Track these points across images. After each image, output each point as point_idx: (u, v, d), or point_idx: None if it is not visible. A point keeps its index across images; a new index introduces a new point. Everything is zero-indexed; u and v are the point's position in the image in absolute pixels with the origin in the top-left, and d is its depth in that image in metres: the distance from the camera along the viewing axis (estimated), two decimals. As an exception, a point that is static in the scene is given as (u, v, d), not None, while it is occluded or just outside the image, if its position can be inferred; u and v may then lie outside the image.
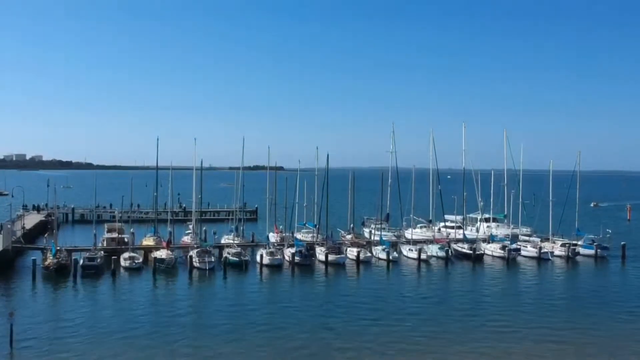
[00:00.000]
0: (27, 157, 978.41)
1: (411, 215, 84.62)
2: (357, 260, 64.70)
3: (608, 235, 73.78)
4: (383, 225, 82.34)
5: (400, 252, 70.74)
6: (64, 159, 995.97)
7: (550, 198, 77.12)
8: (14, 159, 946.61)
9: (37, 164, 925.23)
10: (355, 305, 48.26)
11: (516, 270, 65.06)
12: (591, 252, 71.13)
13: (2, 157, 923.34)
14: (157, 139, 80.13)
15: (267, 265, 61.94)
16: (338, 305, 48.44)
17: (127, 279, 56.78)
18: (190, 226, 76.32)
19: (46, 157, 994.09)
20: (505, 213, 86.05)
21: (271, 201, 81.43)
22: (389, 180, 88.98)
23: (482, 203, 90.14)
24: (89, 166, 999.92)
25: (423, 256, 66.80)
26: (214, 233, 73.70)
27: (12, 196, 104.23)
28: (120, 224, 73.10)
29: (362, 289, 55.05)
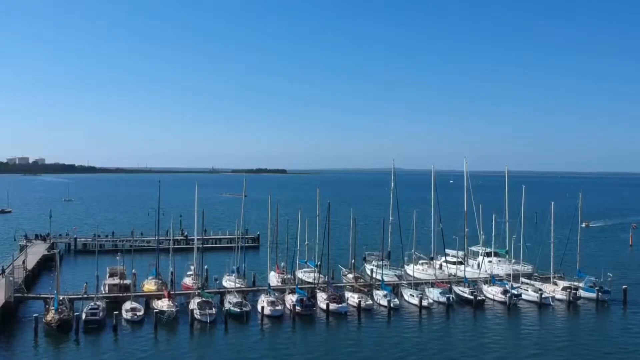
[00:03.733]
0: (30, 161, 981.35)
1: (413, 251, 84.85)
2: (359, 309, 64.73)
3: (609, 279, 73.68)
4: (384, 263, 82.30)
5: (401, 296, 70.82)
6: (67, 162, 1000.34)
7: (552, 240, 77.04)
8: (17, 162, 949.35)
9: (40, 167, 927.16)
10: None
11: (517, 318, 65.06)
12: (592, 295, 71.09)
13: (5, 161, 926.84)
14: (159, 184, 79.21)
15: (268, 316, 61.99)
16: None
17: (129, 333, 56.87)
18: (192, 267, 76.37)
19: (49, 161, 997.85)
20: (507, 249, 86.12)
21: (273, 232, 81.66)
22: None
23: (483, 237, 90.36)
24: (91, 170, 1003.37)
25: (424, 303, 66.84)
26: (215, 280, 73.73)
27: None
28: (122, 266, 73.12)
29: (363, 343, 55.40)
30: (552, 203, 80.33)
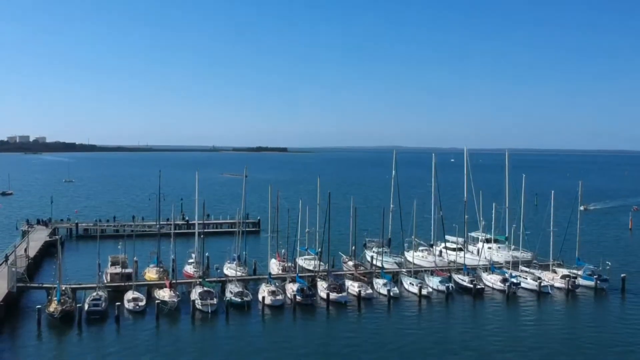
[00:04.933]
0: (31, 139, 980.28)
1: (413, 237, 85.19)
2: (359, 298, 65.22)
3: (608, 267, 74.04)
4: (385, 249, 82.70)
5: (401, 284, 71.32)
6: (67, 141, 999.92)
7: (551, 228, 77.27)
8: (18, 140, 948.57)
9: (40, 146, 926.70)
10: (356, 353, 50.08)
11: (516, 307, 65.59)
12: (591, 283, 71.56)
13: (5, 139, 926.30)
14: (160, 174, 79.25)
15: (269, 306, 62.50)
16: (339, 353, 50.16)
17: (131, 324, 57.42)
18: (193, 255, 76.75)
19: (49, 139, 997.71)
20: (507, 235, 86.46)
21: (273, 220, 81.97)
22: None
23: (483, 223, 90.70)
24: (92, 148, 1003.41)
25: (424, 292, 67.34)
26: (217, 269, 74.13)
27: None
28: (124, 255, 73.51)
29: (363, 332, 56.12)
30: (552, 192, 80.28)
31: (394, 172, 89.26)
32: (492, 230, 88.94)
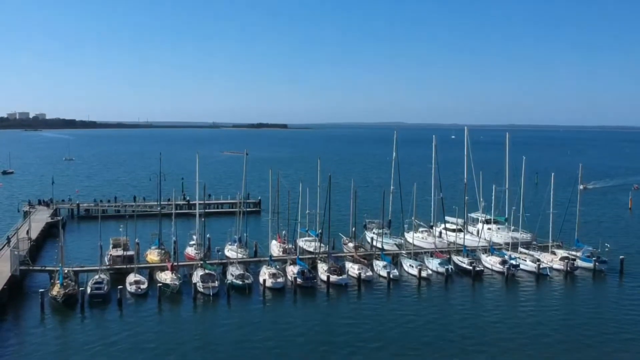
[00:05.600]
0: (31, 116, 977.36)
1: (412, 219, 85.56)
2: (359, 280, 65.76)
3: (607, 249, 74.44)
4: (385, 231, 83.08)
5: (401, 266, 71.84)
6: (68, 117, 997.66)
7: (551, 210, 77.58)
8: (18, 117, 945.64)
9: (40, 122, 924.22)
10: (356, 336, 50.73)
11: (515, 289, 66.14)
12: (589, 265, 72.05)
13: (5, 116, 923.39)
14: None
15: (269, 288, 63.06)
16: (339, 337, 50.85)
17: (133, 307, 57.98)
18: (194, 237, 77.15)
19: (49, 116, 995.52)
20: (507, 217, 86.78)
21: (274, 202, 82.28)
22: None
23: (483, 203, 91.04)
24: (92, 125, 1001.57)
25: (423, 274, 67.87)
26: (218, 251, 74.57)
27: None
28: (125, 237, 73.93)
29: (363, 315, 56.82)
30: (552, 174, 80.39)
31: (394, 153, 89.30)
32: (492, 211, 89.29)
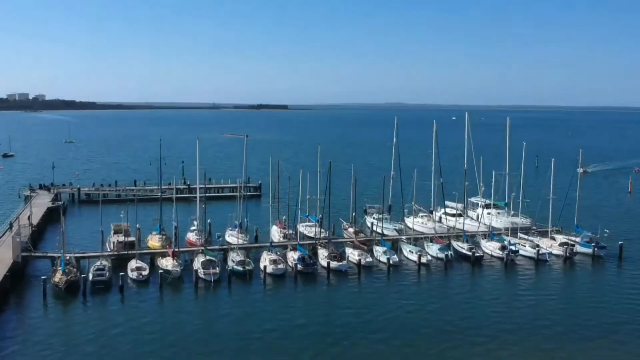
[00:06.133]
0: (30, 97, 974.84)
1: (413, 203, 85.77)
2: (359, 266, 66.15)
3: (606, 235, 74.67)
4: (385, 216, 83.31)
5: (400, 252, 72.17)
6: (67, 98, 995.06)
7: (551, 196, 77.74)
8: (17, 98, 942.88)
9: (40, 104, 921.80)
10: (355, 323, 51.25)
11: (514, 275, 66.62)
12: (589, 251, 72.38)
13: (5, 97, 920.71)
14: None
15: (270, 275, 63.44)
16: (338, 323, 51.45)
17: (135, 293, 58.45)
18: (195, 222, 77.41)
19: (49, 97, 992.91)
20: (506, 201, 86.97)
21: (274, 189, 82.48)
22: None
23: (483, 188, 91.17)
24: (92, 105, 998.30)
25: (423, 260, 68.25)
26: (218, 237, 74.84)
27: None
28: (126, 223, 74.20)
29: (363, 301, 57.37)
30: (553, 160, 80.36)
31: (394, 139, 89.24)
32: (492, 196, 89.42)
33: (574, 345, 47.23)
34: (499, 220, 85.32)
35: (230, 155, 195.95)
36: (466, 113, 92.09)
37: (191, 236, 75.39)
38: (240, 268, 63.22)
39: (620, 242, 72.63)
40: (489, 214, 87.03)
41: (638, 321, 52.28)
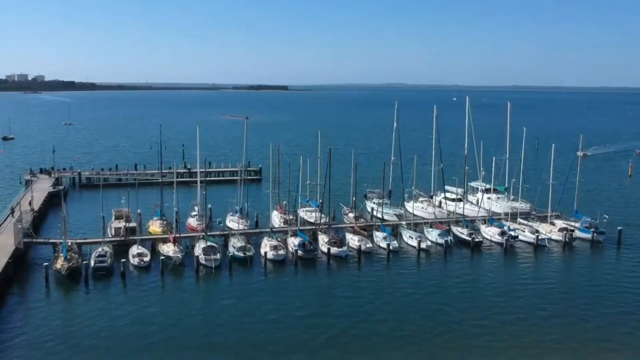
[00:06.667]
0: (29, 78, 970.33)
1: (413, 188, 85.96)
2: (359, 252, 66.49)
3: (605, 220, 74.88)
4: (385, 201, 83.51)
5: (400, 237, 72.48)
6: (67, 79, 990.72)
7: (551, 181, 77.84)
8: (16, 79, 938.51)
9: (39, 84, 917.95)
10: (355, 309, 51.61)
11: (514, 260, 66.99)
12: (588, 236, 72.68)
13: (4, 78, 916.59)
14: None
15: (271, 260, 63.79)
16: (338, 309, 52.03)
17: (136, 279, 58.82)
18: (196, 208, 77.63)
19: (48, 77, 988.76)
20: (506, 186, 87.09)
21: (275, 177, 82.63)
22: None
23: (483, 173, 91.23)
24: (92, 86, 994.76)
25: (423, 245, 68.59)
26: (219, 223, 75.08)
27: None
28: (127, 209, 74.41)
29: (362, 286, 57.94)
30: (553, 146, 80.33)
31: (395, 124, 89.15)
32: (492, 180, 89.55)
33: (570, 330, 47.73)
34: (498, 205, 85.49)
35: (230, 137, 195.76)
36: (467, 97, 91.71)
37: (192, 221, 75.64)
38: (241, 254, 63.56)
39: (619, 228, 72.89)
40: (489, 198, 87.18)
41: (635, 307, 52.63)
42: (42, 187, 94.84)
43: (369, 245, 68.39)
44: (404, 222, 76.85)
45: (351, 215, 79.94)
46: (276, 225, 75.34)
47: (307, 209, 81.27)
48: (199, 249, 63.77)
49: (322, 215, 76.43)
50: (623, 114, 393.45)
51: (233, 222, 75.55)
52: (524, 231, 73.35)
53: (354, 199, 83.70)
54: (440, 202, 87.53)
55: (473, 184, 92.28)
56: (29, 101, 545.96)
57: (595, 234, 72.27)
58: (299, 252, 64.99)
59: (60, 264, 58.12)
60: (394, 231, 73.48)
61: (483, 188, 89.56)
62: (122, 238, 68.01)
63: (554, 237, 72.78)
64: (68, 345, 44.33)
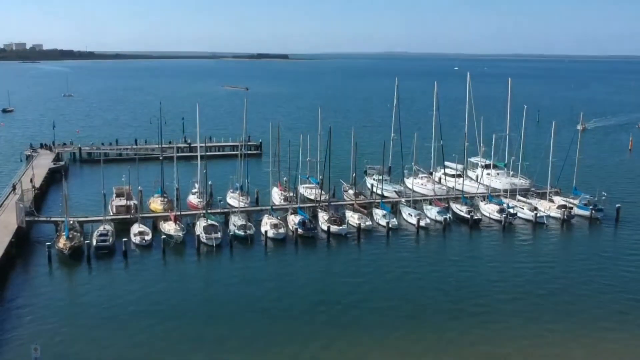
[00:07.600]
0: (27, 47, 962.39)
1: (412, 164, 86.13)
2: (358, 230, 66.97)
3: (604, 197, 75.14)
4: (385, 177, 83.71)
5: (400, 215, 72.92)
6: (65, 48, 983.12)
7: (551, 159, 77.93)
8: (14, 48, 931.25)
9: (37, 54, 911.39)
10: (355, 287, 52.54)
11: (512, 237, 67.61)
12: (586, 213, 73.11)
13: (2, 47, 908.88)
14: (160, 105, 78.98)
15: (271, 239, 64.33)
16: (339, 287, 52.87)
17: (138, 258, 59.37)
18: (197, 185, 77.86)
19: (47, 46, 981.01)
20: (506, 162, 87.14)
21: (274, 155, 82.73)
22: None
23: (483, 149, 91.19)
24: (90, 55, 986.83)
25: (422, 223, 69.05)
26: (220, 200, 75.38)
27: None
28: (128, 186, 74.62)
29: (362, 264, 58.93)
30: (554, 123, 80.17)
31: (395, 100, 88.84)
32: (492, 157, 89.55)
33: (568, 308, 48.43)
34: (498, 181, 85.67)
35: (231, 109, 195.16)
36: (468, 73, 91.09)
37: (193, 199, 75.99)
38: (241, 232, 64.06)
39: (617, 205, 73.25)
40: (488, 174, 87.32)
41: (632, 285, 53.29)
42: (43, 163, 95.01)
43: (369, 223, 68.86)
44: (403, 200, 77.18)
45: (351, 192, 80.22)
46: (276, 203, 75.71)
47: (307, 185, 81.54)
48: (200, 227, 64.25)
49: (322, 192, 76.76)
50: (626, 84, 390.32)
51: (233, 200, 75.92)
52: (523, 208, 73.72)
53: (354, 174, 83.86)
54: (440, 178, 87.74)
55: (473, 159, 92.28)
56: (28, 71, 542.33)
57: (593, 211, 72.68)
58: (299, 230, 65.51)
59: (62, 243, 58.64)
60: (394, 208, 73.90)
61: (483, 164, 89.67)
62: (123, 216, 68.43)
63: (553, 214, 73.21)
64: (72, 324, 45.10)
